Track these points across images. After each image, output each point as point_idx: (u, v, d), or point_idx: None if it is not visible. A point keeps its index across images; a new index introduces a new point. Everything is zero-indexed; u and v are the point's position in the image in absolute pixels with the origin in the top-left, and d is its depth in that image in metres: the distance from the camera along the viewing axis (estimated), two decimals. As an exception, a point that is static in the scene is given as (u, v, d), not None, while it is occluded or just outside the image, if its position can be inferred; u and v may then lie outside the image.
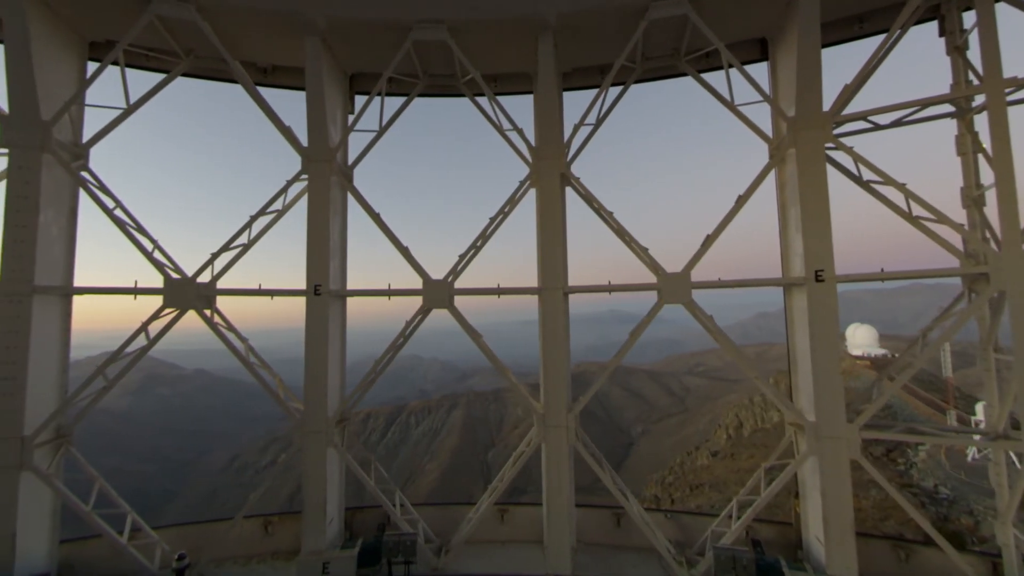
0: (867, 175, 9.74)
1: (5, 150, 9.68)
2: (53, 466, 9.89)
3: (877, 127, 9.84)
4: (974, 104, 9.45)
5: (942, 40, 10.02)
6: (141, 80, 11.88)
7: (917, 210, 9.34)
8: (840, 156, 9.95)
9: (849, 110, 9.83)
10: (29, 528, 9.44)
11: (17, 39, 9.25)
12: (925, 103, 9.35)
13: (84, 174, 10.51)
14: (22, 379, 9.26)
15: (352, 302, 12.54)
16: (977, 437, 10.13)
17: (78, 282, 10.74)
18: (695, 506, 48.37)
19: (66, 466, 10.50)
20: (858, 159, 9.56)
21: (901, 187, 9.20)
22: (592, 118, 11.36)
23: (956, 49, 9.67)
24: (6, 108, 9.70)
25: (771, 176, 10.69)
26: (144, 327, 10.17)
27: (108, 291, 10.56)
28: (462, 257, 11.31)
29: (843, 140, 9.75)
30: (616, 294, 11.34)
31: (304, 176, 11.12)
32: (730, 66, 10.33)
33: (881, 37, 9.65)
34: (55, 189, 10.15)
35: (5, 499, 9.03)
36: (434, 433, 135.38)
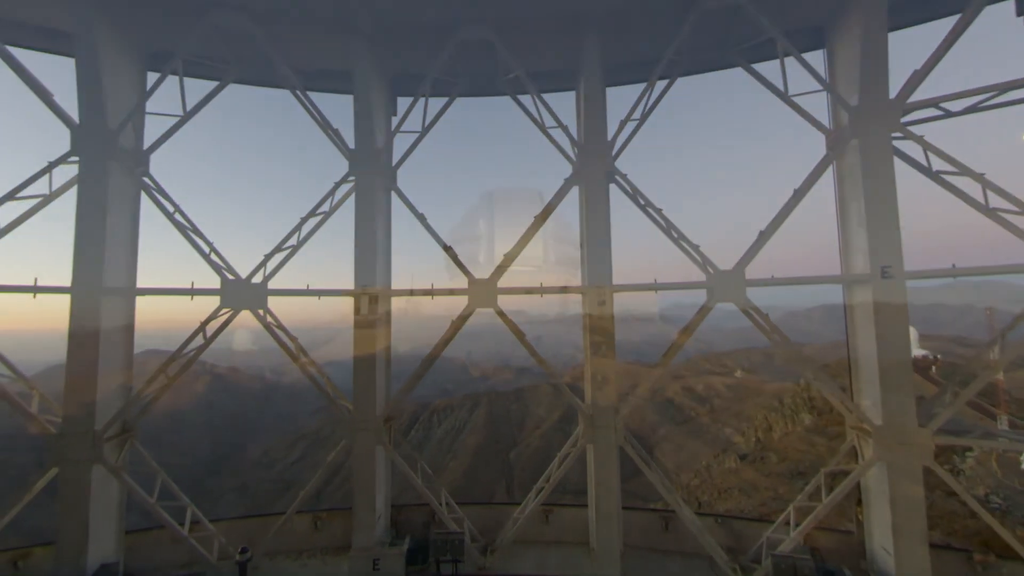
0: (937, 165, 9.22)
1: (75, 158, 10.18)
2: (120, 460, 10.33)
3: (949, 114, 9.28)
4: (1059, 87, 8.80)
5: (1020, 20, 9.40)
6: (193, 87, 12.56)
7: (995, 202, 8.78)
8: (906, 146, 9.45)
9: (916, 97, 9.32)
10: (99, 519, 9.89)
11: (87, 54, 9.72)
12: (1004, 87, 8.75)
13: (146, 179, 10.94)
14: (93, 376, 9.71)
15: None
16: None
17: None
18: (724, 511, 47.15)
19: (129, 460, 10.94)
20: (929, 148, 9.04)
21: (979, 177, 8.66)
22: (637, 114, 11.11)
23: (1038, 29, 9.04)
24: (76, 118, 10.18)
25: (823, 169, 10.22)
26: (203, 327, 10.51)
27: (168, 292, 10.96)
28: (508, 256, 11.24)
29: (911, 129, 9.25)
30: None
31: (351, 178, 11.29)
32: (785, 55, 9.95)
33: (948, 20, 9.11)
34: (120, 194, 10.61)
35: (79, 491, 9.48)
36: (456, 432, 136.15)
